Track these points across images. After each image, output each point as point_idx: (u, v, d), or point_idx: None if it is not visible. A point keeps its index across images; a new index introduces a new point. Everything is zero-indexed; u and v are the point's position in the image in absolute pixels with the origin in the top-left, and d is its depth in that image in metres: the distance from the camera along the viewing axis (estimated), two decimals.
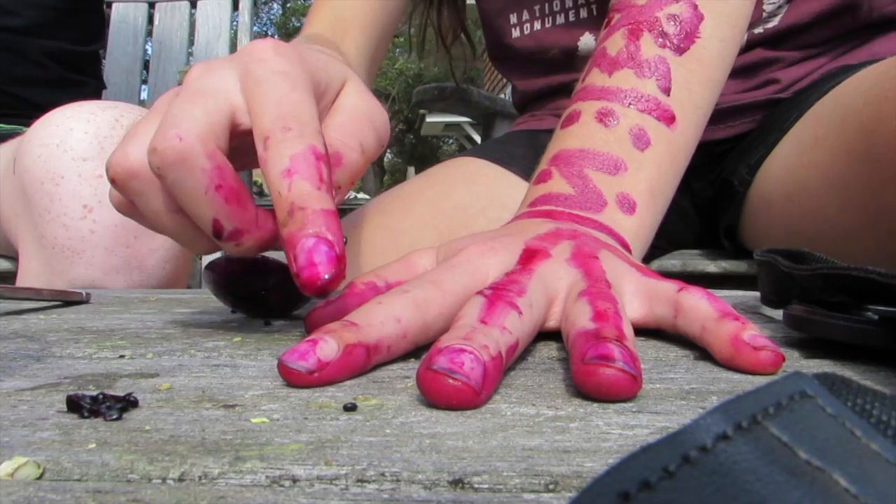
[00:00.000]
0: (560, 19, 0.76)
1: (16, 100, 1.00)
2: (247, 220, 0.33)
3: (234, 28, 1.49)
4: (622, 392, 0.24)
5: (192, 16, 1.50)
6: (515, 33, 0.80)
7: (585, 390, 0.25)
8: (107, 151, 0.70)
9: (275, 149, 0.31)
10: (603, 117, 0.45)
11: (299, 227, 0.29)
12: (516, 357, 0.29)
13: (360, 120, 0.37)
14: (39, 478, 0.18)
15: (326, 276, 0.29)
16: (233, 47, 1.48)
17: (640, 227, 0.43)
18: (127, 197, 0.34)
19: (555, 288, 0.33)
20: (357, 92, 0.39)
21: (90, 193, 0.69)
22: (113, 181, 0.34)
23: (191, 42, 1.49)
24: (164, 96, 0.37)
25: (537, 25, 0.78)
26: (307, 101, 0.33)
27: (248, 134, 0.33)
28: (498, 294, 0.30)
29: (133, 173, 0.33)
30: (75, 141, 0.70)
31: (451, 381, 0.23)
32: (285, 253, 0.30)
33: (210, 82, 0.34)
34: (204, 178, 0.31)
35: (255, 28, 1.50)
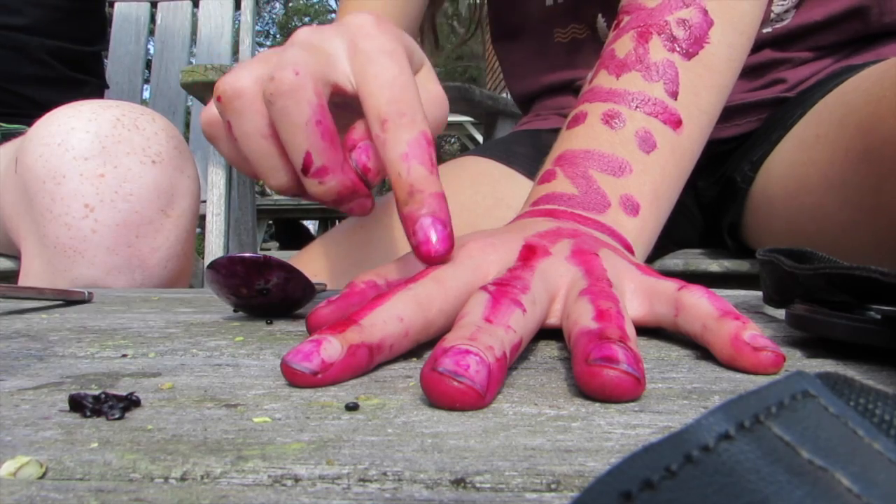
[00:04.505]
0: None
1: (19, 98, 1.00)
2: (335, 161, 0.35)
3: (237, 27, 1.49)
4: (626, 394, 0.24)
5: (194, 15, 1.50)
6: (549, 1, 0.80)
7: (589, 391, 0.24)
8: (108, 151, 0.70)
9: (393, 133, 0.34)
10: (609, 119, 0.45)
11: (418, 207, 0.33)
12: (519, 354, 0.29)
13: (430, 101, 0.40)
14: (42, 477, 0.18)
15: (441, 250, 0.33)
16: (235, 47, 1.48)
17: (642, 229, 0.43)
18: (226, 116, 0.37)
19: (556, 285, 0.33)
20: (430, 79, 0.42)
21: (92, 192, 0.69)
22: (219, 99, 0.37)
23: (193, 41, 1.50)
24: (267, 50, 0.39)
25: None
26: (414, 85, 0.36)
27: (343, 98, 0.36)
28: (502, 291, 0.30)
29: (239, 93, 0.36)
30: (77, 140, 0.70)
31: (455, 383, 0.23)
32: (404, 228, 0.34)
33: (322, 42, 0.37)
34: (308, 110, 0.34)
35: (257, 27, 1.50)
